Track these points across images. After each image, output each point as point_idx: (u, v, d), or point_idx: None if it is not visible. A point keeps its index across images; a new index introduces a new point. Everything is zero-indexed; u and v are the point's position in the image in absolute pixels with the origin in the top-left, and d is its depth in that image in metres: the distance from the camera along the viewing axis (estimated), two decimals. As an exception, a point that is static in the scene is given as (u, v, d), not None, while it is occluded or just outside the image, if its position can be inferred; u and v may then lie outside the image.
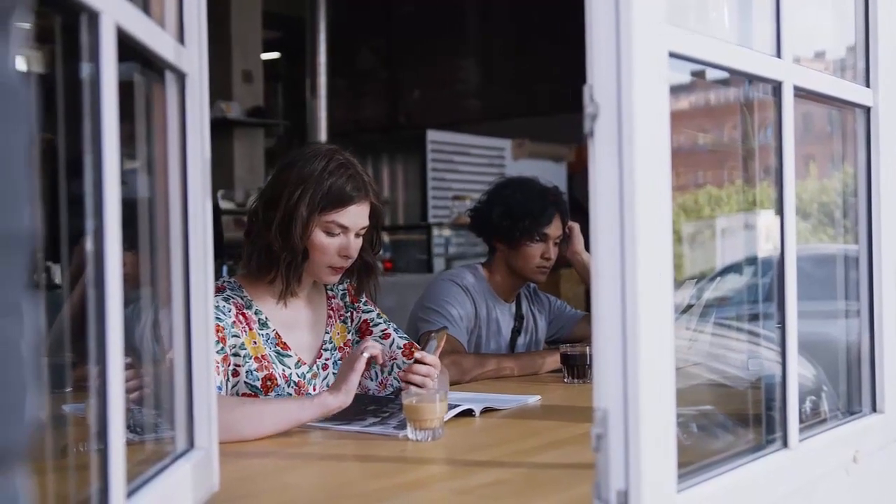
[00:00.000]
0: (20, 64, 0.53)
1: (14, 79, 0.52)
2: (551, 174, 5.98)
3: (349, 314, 2.27)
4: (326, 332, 2.21)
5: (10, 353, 0.50)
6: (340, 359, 2.20)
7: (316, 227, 2.05)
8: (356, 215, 2.07)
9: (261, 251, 2.07)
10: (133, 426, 1.23)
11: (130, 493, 1.03)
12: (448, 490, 1.47)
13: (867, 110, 1.71)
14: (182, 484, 1.21)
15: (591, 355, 2.53)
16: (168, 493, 1.16)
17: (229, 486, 1.39)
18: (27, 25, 0.56)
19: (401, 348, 2.23)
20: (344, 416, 1.99)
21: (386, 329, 2.26)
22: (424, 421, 1.77)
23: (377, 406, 2.05)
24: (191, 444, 1.30)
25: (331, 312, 2.24)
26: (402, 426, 1.83)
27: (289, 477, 1.56)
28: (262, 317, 2.10)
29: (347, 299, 2.28)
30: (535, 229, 2.84)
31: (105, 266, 0.94)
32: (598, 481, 1.11)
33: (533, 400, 2.25)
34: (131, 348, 1.08)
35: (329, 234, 2.06)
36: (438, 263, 7.27)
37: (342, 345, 2.23)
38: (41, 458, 0.97)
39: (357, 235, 2.10)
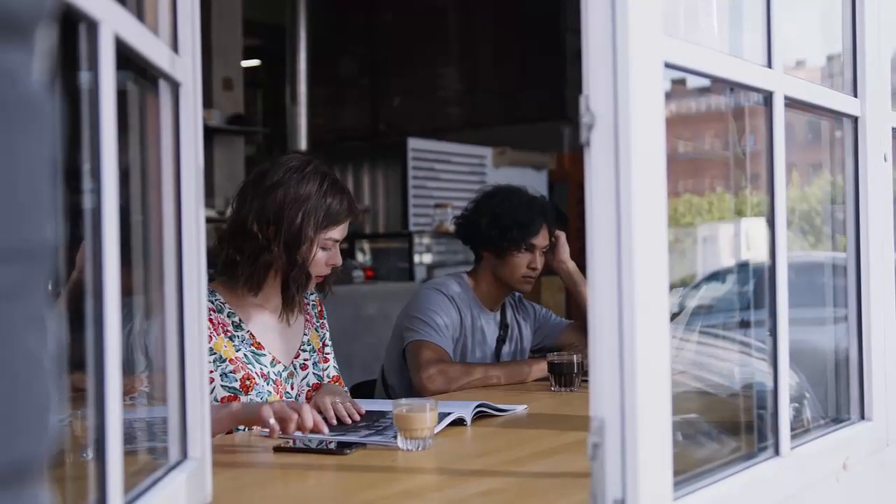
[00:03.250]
0: (43, 76, 0.52)
1: (38, 92, 0.51)
2: (532, 182, 5.97)
3: (319, 324, 2.37)
4: (305, 334, 2.30)
5: (35, 366, 0.50)
6: (318, 361, 2.30)
7: (317, 244, 2.14)
8: (346, 228, 2.21)
9: (262, 268, 2.13)
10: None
11: (126, 505, 1.02)
12: (442, 500, 1.47)
13: (854, 120, 1.72)
14: (176, 495, 1.20)
15: (577, 364, 2.54)
16: (163, 505, 1.15)
17: (222, 496, 1.39)
18: (49, 38, 0.56)
19: (330, 378, 2.35)
20: (339, 428, 1.97)
21: (328, 354, 2.38)
22: (415, 430, 1.76)
23: (370, 420, 2.04)
24: (184, 454, 1.29)
25: (307, 317, 2.33)
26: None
27: (281, 488, 1.55)
28: (236, 319, 2.16)
29: (315, 312, 2.37)
30: (523, 239, 2.84)
31: (103, 275, 0.93)
32: (595, 490, 1.10)
33: (521, 409, 2.24)
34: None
35: (324, 248, 2.17)
36: (420, 272, 7.26)
37: (317, 349, 2.33)
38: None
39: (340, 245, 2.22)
